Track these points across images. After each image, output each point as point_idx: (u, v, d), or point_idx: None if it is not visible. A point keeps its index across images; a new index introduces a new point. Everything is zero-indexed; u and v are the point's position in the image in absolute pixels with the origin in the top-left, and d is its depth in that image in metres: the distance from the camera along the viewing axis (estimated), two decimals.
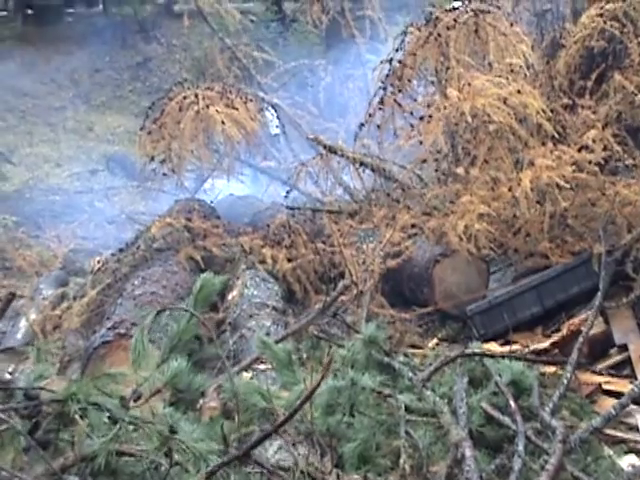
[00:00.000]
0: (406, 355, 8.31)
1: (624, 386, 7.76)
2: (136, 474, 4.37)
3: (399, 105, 10.90)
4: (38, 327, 10.00)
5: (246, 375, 7.36)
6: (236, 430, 5.43)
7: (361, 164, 11.27)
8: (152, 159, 11.77)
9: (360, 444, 6.36)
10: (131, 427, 4.26)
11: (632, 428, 7.33)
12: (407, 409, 6.77)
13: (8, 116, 24.64)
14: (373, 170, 11.30)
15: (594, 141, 9.33)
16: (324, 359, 7.02)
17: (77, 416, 4.16)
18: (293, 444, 5.38)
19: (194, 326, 5.32)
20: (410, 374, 7.47)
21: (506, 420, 6.88)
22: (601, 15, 10.23)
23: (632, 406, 7.43)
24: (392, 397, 6.85)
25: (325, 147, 11.67)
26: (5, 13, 31.77)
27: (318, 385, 4.76)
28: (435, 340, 9.28)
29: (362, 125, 11.26)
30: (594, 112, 9.85)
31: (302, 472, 5.06)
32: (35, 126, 24.65)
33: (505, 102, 9.35)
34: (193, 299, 5.30)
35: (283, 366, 6.52)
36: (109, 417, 4.22)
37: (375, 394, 6.87)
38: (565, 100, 10.24)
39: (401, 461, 6.29)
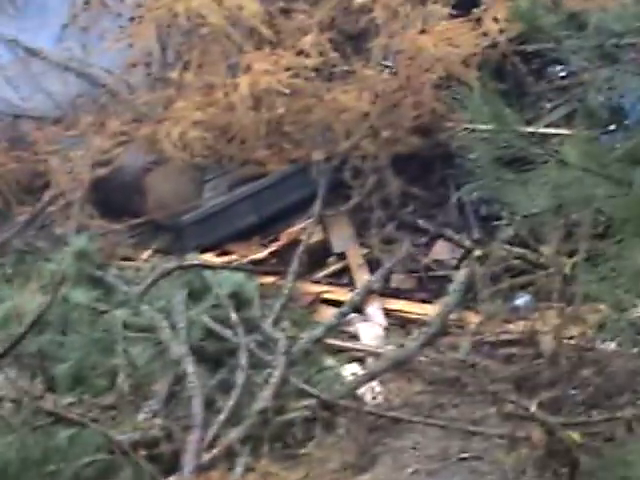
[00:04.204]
0: (120, 268, 7.86)
1: (343, 295, 7.71)
2: None
3: (106, 5, 10.24)
4: None
5: None
6: None
7: (65, 68, 10.52)
8: None
9: (74, 364, 5.99)
10: None
11: (353, 337, 7.29)
12: (124, 326, 6.41)
13: None
14: (78, 75, 10.58)
15: (311, 46, 9.08)
16: (32, 274, 6.54)
17: None
18: None
19: None
20: (125, 288, 7.10)
21: (227, 333, 6.68)
22: None
23: (352, 314, 7.40)
24: (107, 313, 6.46)
25: (25, 50, 10.84)
26: None
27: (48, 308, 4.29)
28: (149, 252, 8.84)
29: (65, 26, 10.51)
30: (310, 17, 9.60)
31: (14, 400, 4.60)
32: None
33: (220, 3, 8.91)
34: None
35: None
36: None
37: (89, 310, 6.47)
38: (280, 4, 9.93)
39: (119, 380, 6.01)
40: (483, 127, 4.02)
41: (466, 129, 4.14)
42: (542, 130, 7.56)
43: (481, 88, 4.11)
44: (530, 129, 5.09)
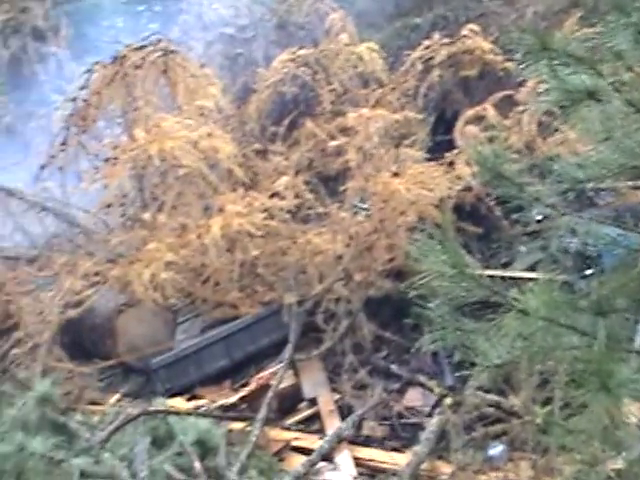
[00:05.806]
0: (84, 413, 7.65)
1: (313, 442, 7.50)
2: None
3: (83, 146, 10.24)
4: None
5: None
6: None
7: (42, 208, 10.47)
8: None
9: None
10: None
11: None
12: (83, 474, 6.18)
13: None
14: (55, 214, 10.53)
15: (286, 188, 9.07)
16: None
17: None
18: None
19: None
20: (88, 435, 6.87)
21: None
22: (293, 60, 10.07)
23: (321, 463, 7.18)
24: (65, 462, 6.23)
25: (3, 189, 10.81)
26: None
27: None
28: (117, 395, 8.62)
29: (43, 167, 10.49)
30: (286, 159, 9.63)
31: None
32: None
33: (195, 146, 8.93)
34: None
35: None
36: None
37: (45, 459, 6.24)
38: (257, 145, 9.97)
39: None
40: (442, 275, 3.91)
41: (425, 277, 4.01)
42: (507, 274, 7.53)
43: (441, 235, 3.99)
44: (493, 273, 5.00)
